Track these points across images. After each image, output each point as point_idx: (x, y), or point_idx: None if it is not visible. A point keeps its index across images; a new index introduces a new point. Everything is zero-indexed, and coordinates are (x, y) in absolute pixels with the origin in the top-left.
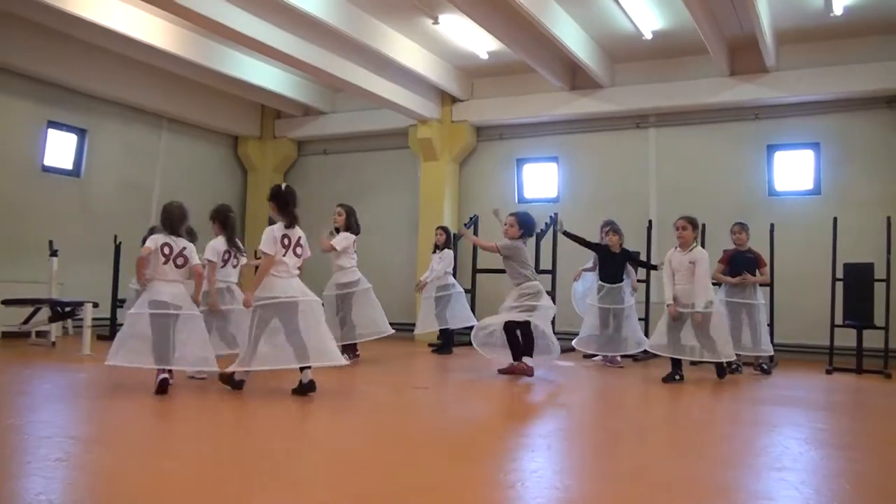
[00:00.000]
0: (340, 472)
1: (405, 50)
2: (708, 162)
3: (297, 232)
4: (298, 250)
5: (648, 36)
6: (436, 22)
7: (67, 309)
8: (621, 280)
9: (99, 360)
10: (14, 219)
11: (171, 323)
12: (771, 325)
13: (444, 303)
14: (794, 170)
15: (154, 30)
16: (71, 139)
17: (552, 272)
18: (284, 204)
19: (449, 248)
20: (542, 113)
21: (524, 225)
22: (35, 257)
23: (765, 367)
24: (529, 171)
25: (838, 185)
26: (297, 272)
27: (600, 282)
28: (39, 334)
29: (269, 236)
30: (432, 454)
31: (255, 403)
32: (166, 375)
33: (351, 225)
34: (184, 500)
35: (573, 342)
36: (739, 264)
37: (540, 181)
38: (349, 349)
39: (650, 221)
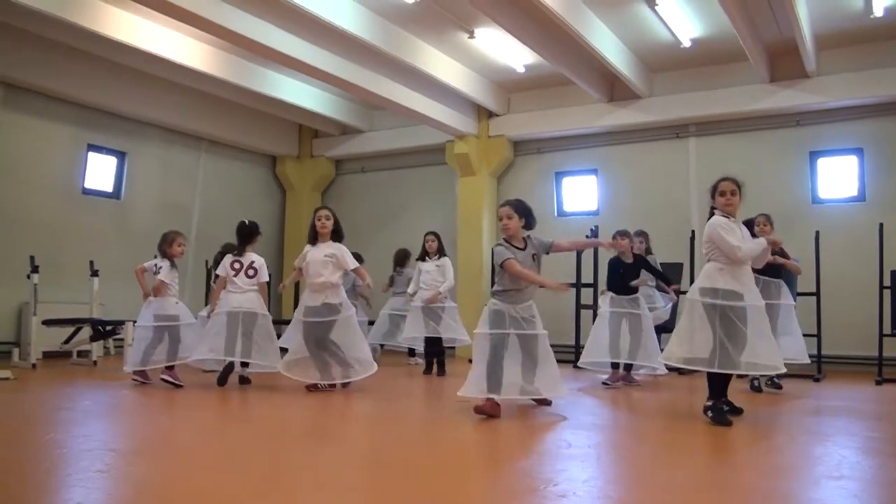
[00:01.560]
0: (388, 479)
1: (441, 65)
2: (749, 170)
3: (250, 258)
4: (250, 272)
5: (687, 44)
6: (472, 36)
7: (109, 328)
8: (635, 292)
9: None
10: (55, 240)
11: (238, 323)
12: (818, 336)
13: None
14: (837, 176)
15: (192, 52)
16: (111, 162)
17: (593, 286)
18: (239, 237)
19: (444, 255)
20: (581, 125)
21: (524, 212)
22: (76, 278)
23: (775, 381)
24: (568, 184)
25: (883, 190)
26: (253, 289)
27: (610, 292)
28: (81, 354)
29: (223, 263)
30: (475, 463)
31: (296, 414)
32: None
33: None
34: None
35: (579, 362)
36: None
37: (579, 194)
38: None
39: (692, 232)
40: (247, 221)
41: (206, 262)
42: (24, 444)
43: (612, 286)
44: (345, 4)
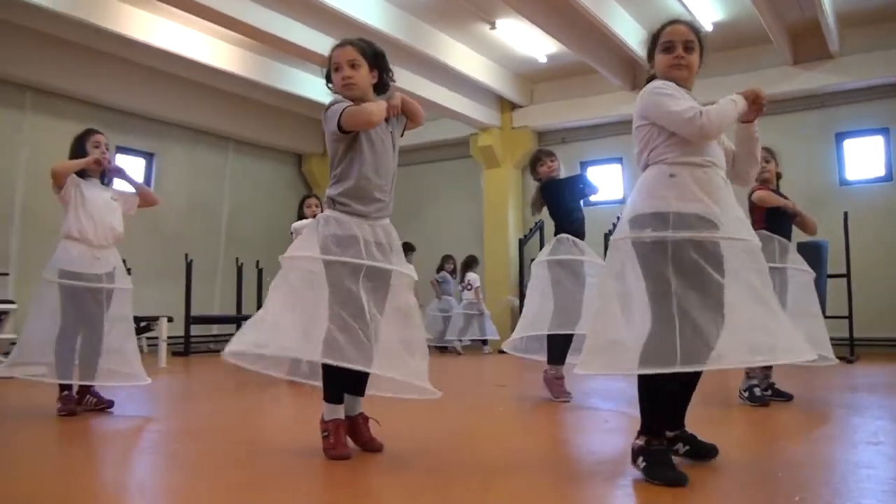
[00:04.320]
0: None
1: (464, 57)
2: (778, 160)
3: None
4: None
5: (709, 28)
6: (493, 27)
7: (143, 324)
8: None
9: (174, 374)
10: None
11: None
12: (850, 317)
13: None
14: (864, 157)
15: (218, 52)
16: (139, 163)
17: None
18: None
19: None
20: (605, 114)
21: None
22: None
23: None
24: (593, 173)
25: None
26: None
27: None
28: None
29: None
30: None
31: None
32: None
33: None
34: (271, 483)
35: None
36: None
37: (605, 183)
38: None
39: None
40: None
41: (237, 259)
42: (72, 427)
43: None
44: None
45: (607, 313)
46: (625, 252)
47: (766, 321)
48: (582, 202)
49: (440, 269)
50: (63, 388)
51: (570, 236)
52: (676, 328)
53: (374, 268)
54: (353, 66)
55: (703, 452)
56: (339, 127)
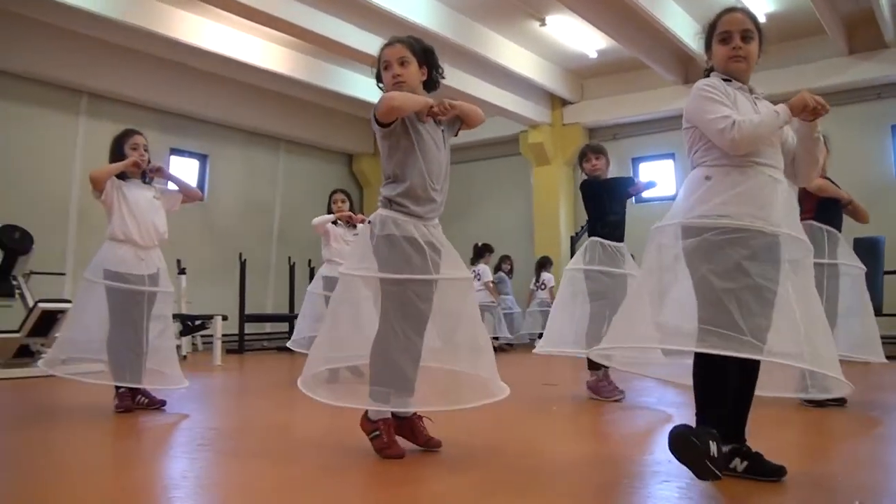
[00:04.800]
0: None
1: (513, 55)
2: (829, 146)
3: None
4: None
5: (762, 20)
6: (543, 24)
7: (198, 322)
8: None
9: (229, 370)
10: None
11: None
12: None
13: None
14: None
15: (269, 55)
16: (193, 164)
17: None
18: None
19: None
20: (656, 109)
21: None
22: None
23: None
24: (645, 169)
25: None
26: None
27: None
28: None
29: None
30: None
31: None
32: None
33: None
34: (312, 483)
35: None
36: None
37: (657, 179)
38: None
39: None
40: None
41: (289, 258)
42: (130, 424)
43: None
44: None
45: (643, 304)
46: (664, 253)
47: (804, 328)
48: (629, 202)
49: (497, 268)
50: (118, 385)
51: (600, 240)
52: (732, 311)
53: (428, 280)
54: (402, 63)
55: (767, 472)
56: (376, 119)
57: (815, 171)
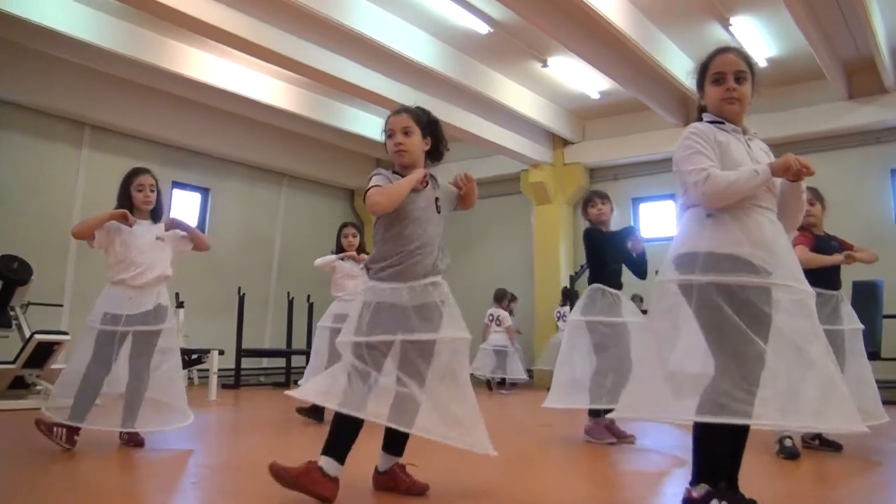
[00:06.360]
0: None
1: (516, 95)
2: (828, 191)
3: None
4: None
5: (762, 64)
6: (545, 65)
7: (194, 356)
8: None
9: (224, 406)
10: None
11: None
12: None
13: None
14: None
15: (272, 90)
16: (195, 198)
17: None
18: None
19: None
20: (657, 150)
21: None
22: None
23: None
24: (646, 210)
25: None
26: None
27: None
28: None
29: None
30: None
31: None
32: None
33: None
34: None
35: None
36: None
37: (658, 220)
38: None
39: None
40: None
41: (288, 293)
42: (123, 460)
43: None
44: (419, 38)
45: (651, 355)
46: (666, 293)
47: (803, 383)
48: (626, 253)
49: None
50: (57, 424)
51: (603, 287)
52: (731, 371)
53: (410, 340)
54: (406, 132)
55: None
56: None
57: (793, 224)
